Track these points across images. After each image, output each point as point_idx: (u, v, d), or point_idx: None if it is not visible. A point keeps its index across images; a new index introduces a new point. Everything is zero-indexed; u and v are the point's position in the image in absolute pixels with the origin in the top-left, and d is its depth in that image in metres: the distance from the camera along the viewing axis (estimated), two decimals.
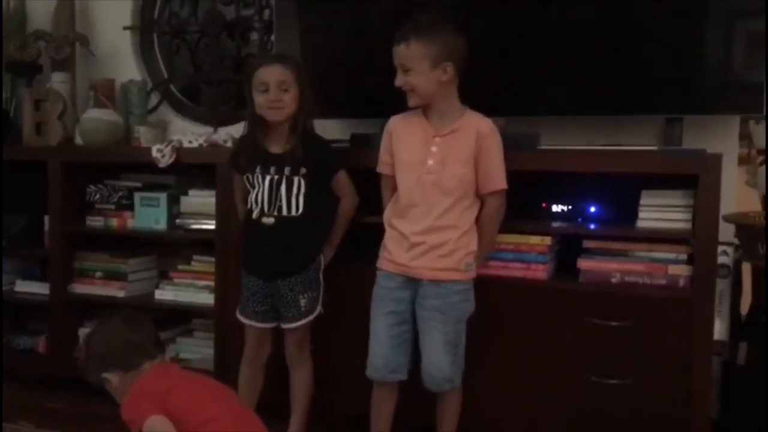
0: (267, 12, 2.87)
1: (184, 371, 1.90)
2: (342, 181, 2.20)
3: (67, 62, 2.98)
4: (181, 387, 1.74)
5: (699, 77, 2.19)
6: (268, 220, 2.14)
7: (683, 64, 2.19)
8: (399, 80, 1.99)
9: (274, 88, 2.11)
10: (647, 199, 2.10)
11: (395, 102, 2.08)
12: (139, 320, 1.90)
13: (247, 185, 2.19)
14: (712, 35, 2.18)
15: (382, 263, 2.07)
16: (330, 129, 2.53)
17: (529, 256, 2.14)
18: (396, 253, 2.02)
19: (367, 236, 2.19)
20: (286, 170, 2.14)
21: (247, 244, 2.22)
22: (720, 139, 2.31)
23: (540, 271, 2.14)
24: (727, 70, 2.19)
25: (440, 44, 1.93)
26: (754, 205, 2.46)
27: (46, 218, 2.74)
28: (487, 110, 2.05)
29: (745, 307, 2.40)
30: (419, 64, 1.93)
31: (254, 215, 2.17)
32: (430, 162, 1.99)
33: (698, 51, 2.18)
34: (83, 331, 2.75)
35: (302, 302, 2.14)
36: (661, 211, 2.08)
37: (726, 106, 2.19)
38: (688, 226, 2.05)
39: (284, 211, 2.14)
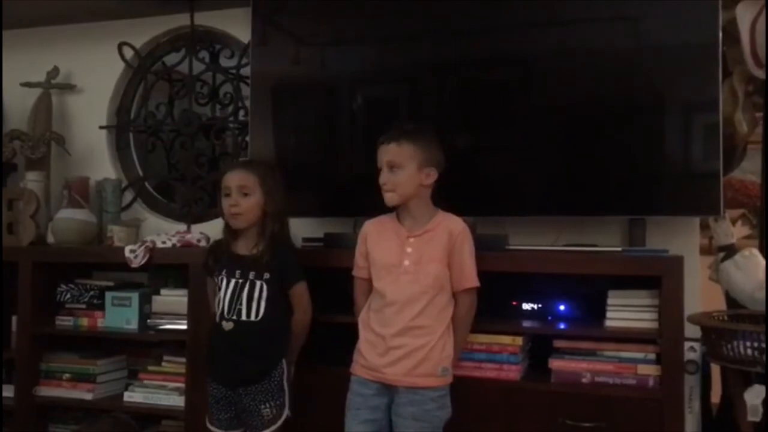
0: (242, 113, 2.95)
1: None
2: (299, 293, 2.19)
3: (42, 161, 3.00)
4: None
5: (659, 180, 2.27)
6: (228, 325, 2.13)
7: (644, 166, 2.28)
8: (384, 178, 2.05)
9: (235, 193, 2.15)
10: (614, 298, 2.15)
11: (368, 202, 2.13)
12: (130, 428, 1.85)
13: (216, 288, 2.20)
14: (670, 137, 2.27)
15: (356, 369, 2.07)
16: (303, 228, 2.57)
17: (501, 357, 2.16)
18: (370, 358, 2.03)
19: (338, 337, 2.19)
20: (251, 274, 2.15)
21: (209, 349, 2.21)
22: (682, 236, 2.39)
23: (513, 372, 2.15)
24: (685, 171, 2.27)
25: (428, 149, 2.04)
26: (718, 299, 2.52)
27: (14, 318, 2.70)
28: (456, 210, 2.11)
29: (716, 398, 2.42)
30: (408, 163, 2.01)
31: (216, 319, 2.17)
32: (406, 263, 2.03)
33: (658, 154, 2.27)
34: None
35: (264, 411, 2.10)
36: (627, 311, 2.13)
37: (685, 208, 2.27)
38: (654, 325, 2.09)
39: (243, 316, 2.13)
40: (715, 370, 2.35)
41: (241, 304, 2.13)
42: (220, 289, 2.17)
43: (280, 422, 2.13)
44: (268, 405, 2.11)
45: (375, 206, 2.12)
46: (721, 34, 2.17)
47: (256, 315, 2.13)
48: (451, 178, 2.12)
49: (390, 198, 2.06)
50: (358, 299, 2.15)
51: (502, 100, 2.44)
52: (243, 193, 2.15)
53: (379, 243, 2.10)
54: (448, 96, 2.51)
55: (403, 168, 2.02)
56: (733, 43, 2.29)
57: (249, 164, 2.24)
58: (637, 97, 2.29)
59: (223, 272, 2.18)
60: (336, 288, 2.28)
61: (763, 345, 1.91)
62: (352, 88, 2.63)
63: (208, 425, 2.19)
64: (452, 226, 2.05)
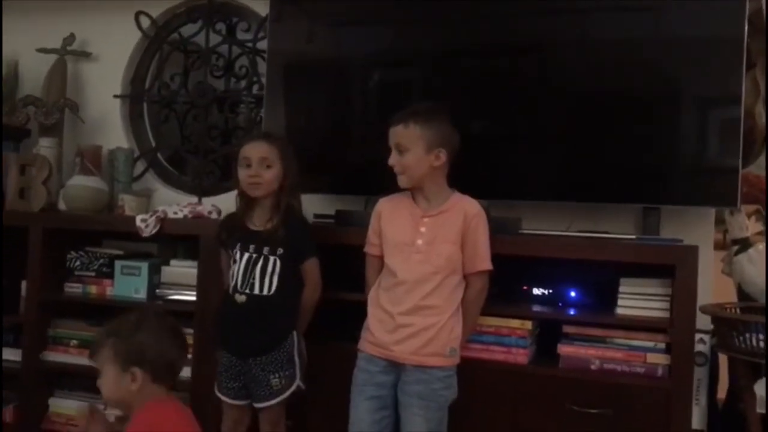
0: (256, 87, 2.93)
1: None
2: (311, 269, 2.19)
3: (56, 128, 3.00)
4: None
5: (676, 169, 2.26)
6: (240, 298, 2.14)
7: (661, 155, 2.26)
8: (392, 160, 2.04)
9: (256, 164, 2.15)
10: (626, 286, 2.13)
11: (380, 180, 2.12)
12: (182, 339, 1.85)
13: (230, 260, 2.20)
14: (689, 127, 2.25)
15: (364, 345, 2.07)
16: (315, 204, 2.56)
17: (510, 340, 2.15)
18: (379, 335, 2.02)
19: (348, 313, 2.19)
20: (265, 249, 2.15)
21: (221, 319, 2.22)
22: (696, 227, 2.37)
23: (521, 356, 2.14)
24: (704, 161, 2.26)
25: (436, 130, 2.00)
26: (730, 293, 2.50)
27: (24, 284, 2.71)
28: (470, 193, 2.10)
29: (722, 393, 2.41)
30: (415, 146, 1.99)
31: (230, 291, 2.17)
32: (419, 242, 2.02)
33: (675, 143, 2.26)
34: (54, 401, 2.69)
35: (273, 382, 2.11)
36: (639, 299, 2.11)
37: (701, 198, 2.25)
38: (665, 314, 2.08)
39: (256, 290, 2.13)
40: (722, 365, 2.35)
41: (254, 278, 2.13)
42: (234, 262, 2.17)
43: (287, 393, 2.13)
44: (277, 375, 2.11)
45: (387, 185, 2.11)
46: (746, 26, 2.14)
47: (269, 289, 2.13)
48: (465, 161, 2.11)
49: (401, 180, 2.05)
50: (369, 276, 2.14)
51: (519, 84, 2.41)
52: (265, 165, 2.15)
53: (392, 221, 2.09)
54: (464, 79, 2.47)
55: (411, 150, 2.00)
56: (756, 33, 2.26)
57: (269, 136, 2.23)
58: (656, 87, 2.27)
59: (237, 246, 2.17)
60: (346, 266, 2.27)
61: None
62: (367, 66, 2.61)
63: (217, 393, 2.20)
64: (468, 207, 2.04)
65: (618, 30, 2.30)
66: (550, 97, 2.37)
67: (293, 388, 2.14)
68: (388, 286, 2.05)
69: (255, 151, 2.16)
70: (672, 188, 2.26)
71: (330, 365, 2.22)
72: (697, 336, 2.08)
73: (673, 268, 2.01)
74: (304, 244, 2.19)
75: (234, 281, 2.16)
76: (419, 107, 2.06)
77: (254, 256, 2.15)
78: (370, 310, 2.08)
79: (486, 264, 2.03)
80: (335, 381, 2.14)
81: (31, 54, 3.08)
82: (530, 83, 2.41)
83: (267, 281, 2.14)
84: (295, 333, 2.17)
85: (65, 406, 2.69)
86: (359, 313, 2.13)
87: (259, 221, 2.19)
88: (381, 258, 2.10)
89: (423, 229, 2.03)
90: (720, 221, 2.53)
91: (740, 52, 2.13)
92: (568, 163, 2.36)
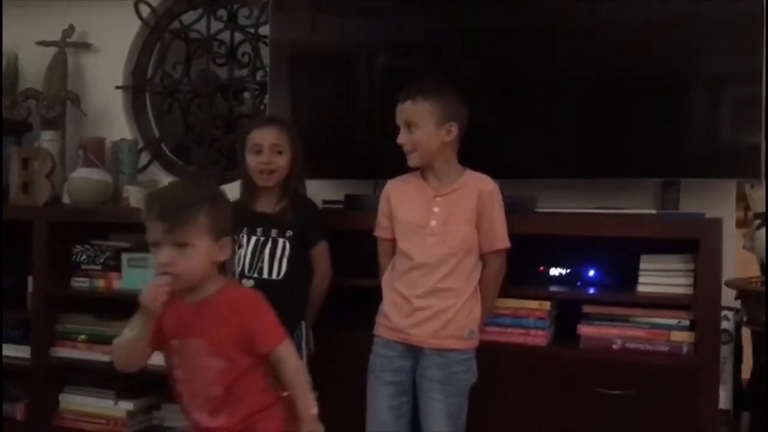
0: (260, 73, 2.87)
1: None
2: (320, 253, 2.14)
3: (58, 121, 2.95)
4: None
5: (696, 141, 2.18)
6: (248, 283, 2.08)
7: (680, 127, 2.19)
8: (402, 138, 1.97)
9: (268, 151, 2.09)
10: (647, 263, 2.07)
11: (389, 163, 2.07)
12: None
13: (235, 246, 2.14)
14: (708, 99, 2.19)
15: (380, 330, 2.01)
16: (323, 190, 2.50)
17: (528, 322, 2.10)
18: (395, 319, 1.97)
19: (360, 300, 2.13)
20: (273, 232, 2.10)
21: None
22: (717, 202, 2.29)
23: (539, 337, 2.08)
24: (725, 133, 2.20)
25: (446, 105, 1.95)
26: (753, 269, 2.43)
27: (30, 279, 2.66)
28: (483, 173, 2.04)
29: (746, 373, 2.35)
30: (425, 122, 1.93)
31: (236, 276, 2.11)
32: (433, 223, 1.96)
33: (695, 114, 2.19)
34: (64, 397, 2.65)
35: None
36: (661, 276, 2.05)
37: (723, 170, 2.18)
38: (689, 291, 2.01)
39: (265, 274, 2.08)
40: (747, 344, 2.29)
41: (262, 262, 2.08)
42: (240, 246, 2.11)
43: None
44: None
45: (395, 167, 2.06)
46: (765, 2, 2.07)
47: (278, 274, 2.07)
48: (478, 140, 2.05)
49: (412, 159, 1.99)
50: (382, 261, 2.09)
51: (531, 60, 2.33)
52: (276, 152, 2.09)
53: (403, 203, 2.03)
54: (474, 58, 2.39)
55: (421, 126, 1.94)
56: None
57: (278, 121, 2.17)
58: (676, 62, 2.19)
59: (244, 230, 2.12)
60: (356, 251, 2.22)
61: None
62: (372, 51, 2.54)
63: None
64: (482, 185, 1.98)
65: (635, 5, 2.22)
66: (562, 73, 2.29)
67: None
68: (402, 270, 1.99)
69: (266, 137, 2.10)
70: (693, 161, 2.18)
71: (343, 354, 2.17)
72: (722, 313, 2.02)
73: (695, 242, 1.94)
74: (314, 227, 2.13)
75: (241, 266, 2.10)
76: (425, 83, 2.00)
77: (262, 239, 2.09)
78: (385, 294, 2.02)
79: (503, 242, 1.97)
80: (349, 370, 2.09)
81: (31, 47, 3.03)
82: (543, 60, 2.32)
83: (276, 265, 2.08)
84: (303, 324, 2.11)
85: (76, 401, 2.65)
86: (372, 299, 2.08)
87: (266, 204, 2.14)
88: (392, 241, 2.05)
89: (436, 209, 1.97)
90: (740, 199, 2.46)
91: (760, 26, 2.06)
92: (583, 139, 2.28)
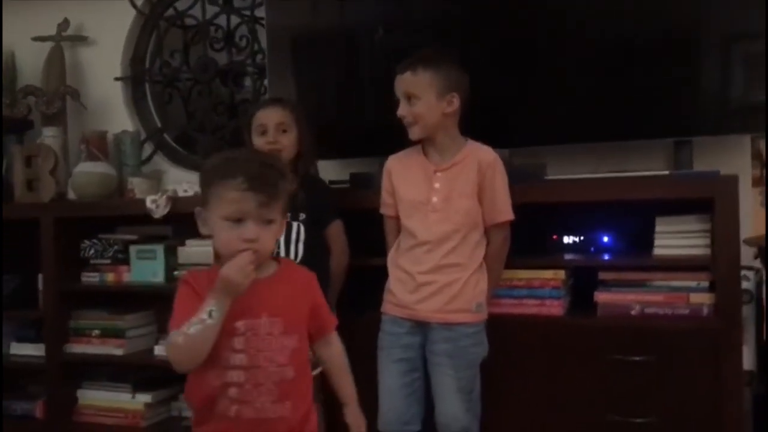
0: (259, 57, 2.83)
1: None
2: (335, 232, 2.11)
3: (58, 116, 2.93)
4: None
5: (707, 98, 2.13)
6: None
7: (690, 85, 2.13)
8: (402, 110, 1.93)
9: (273, 130, 2.06)
10: (662, 225, 2.02)
11: (393, 139, 2.03)
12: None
13: None
14: (719, 55, 2.13)
15: (387, 307, 1.98)
16: (328, 170, 2.46)
17: (543, 292, 2.06)
18: (400, 295, 1.94)
19: (370, 280, 2.10)
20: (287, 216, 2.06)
21: None
22: (731, 160, 2.24)
23: (555, 307, 2.05)
24: (736, 89, 2.13)
25: (446, 75, 1.89)
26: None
27: (40, 277, 2.66)
28: (490, 143, 1.99)
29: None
30: (426, 93, 1.88)
31: None
32: (435, 199, 1.92)
33: (705, 71, 2.13)
34: (82, 393, 2.65)
35: None
36: (677, 238, 2.01)
37: (735, 126, 2.12)
38: (706, 251, 1.97)
39: None
40: None
41: (278, 247, 2.04)
42: None
43: (317, 371, 2.05)
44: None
45: (400, 143, 2.02)
46: None
47: (295, 258, 2.04)
48: (483, 109, 2.00)
49: (413, 132, 1.94)
50: (389, 238, 2.05)
51: (535, 23, 2.27)
52: (282, 131, 2.06)
53: (404, 179, 1.99)
54: (479, 21, 2.32)
55: (422, 98, 1.89)
56: None
57: (283, 101, 2.14)
58: (685, 18, 2.12)
59: None
60: (365, 230, 2.18)
61: None
62: (371, 30, 2.47)
63: None
64: (482, 156, 1.93)
65: None
66: (569, 35, 2.23)
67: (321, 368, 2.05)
68: (407, 247, 1.95)
69: (270, 116, 2.07)
70: (705, 119, 2.12)
71: (353, 333, 2.12)
72: (741, 273, 1.96)
73: (711, 201, 1.89)
74: (327, 206, 2.11)
75: None
76: (425, 53, 1.93)
77: None
78: (391, 271, 2.00)
79: (506, 215, 1.92)
80: (359, 349, 2.04)
81: (27, 43, 3.00)
82: (549, 23, 2.25)
83: (293, 249, 2.05)
84: None
85: (94, 396, 2.65)
86: (381, 278, 2.04)
87: None
88: (397, 218, 2.01)
89: (437, 185, 1.92)
90: (754, 156, 2.39)
91: None
92: (591, 103, 2.22)
